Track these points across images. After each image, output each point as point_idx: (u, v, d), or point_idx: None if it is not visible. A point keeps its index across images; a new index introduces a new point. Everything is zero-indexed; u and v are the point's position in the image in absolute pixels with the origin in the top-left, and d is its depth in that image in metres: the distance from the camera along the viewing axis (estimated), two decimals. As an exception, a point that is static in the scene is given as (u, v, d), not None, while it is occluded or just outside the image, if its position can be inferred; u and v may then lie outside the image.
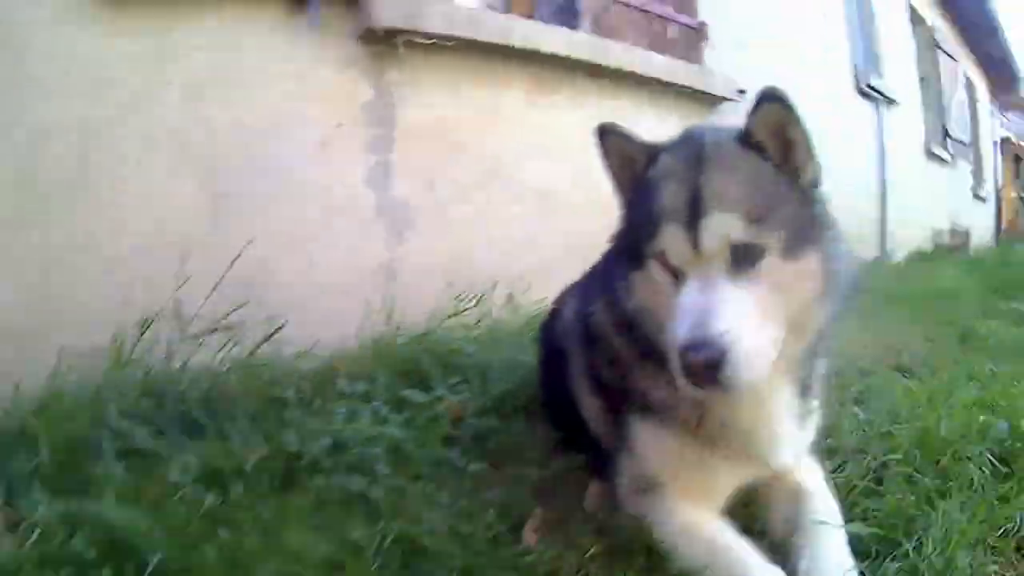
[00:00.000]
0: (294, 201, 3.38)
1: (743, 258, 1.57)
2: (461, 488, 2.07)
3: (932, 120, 11.73)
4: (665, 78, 5.22)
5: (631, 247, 1.76)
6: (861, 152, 8.81)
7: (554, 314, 2.59)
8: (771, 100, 1.66)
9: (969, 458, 2.17)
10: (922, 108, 11.29)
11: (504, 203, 4.22)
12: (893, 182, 9.27)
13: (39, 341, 2.50)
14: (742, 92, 5.57)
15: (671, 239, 1.62)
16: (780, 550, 1.75)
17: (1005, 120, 18.53)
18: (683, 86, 5.38)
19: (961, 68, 13.58)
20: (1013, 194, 19.42)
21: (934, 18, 12.14)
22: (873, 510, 1.93)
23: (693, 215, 1.59)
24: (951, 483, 2.05)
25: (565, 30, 4.69)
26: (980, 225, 14.38)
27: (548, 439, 2.39)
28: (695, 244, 1.58)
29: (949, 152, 12.34)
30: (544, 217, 4.35)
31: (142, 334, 2.56)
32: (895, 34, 10.26)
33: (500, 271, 3.83)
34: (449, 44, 3.89)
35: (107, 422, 2.17)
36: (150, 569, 1.58)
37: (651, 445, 1.86)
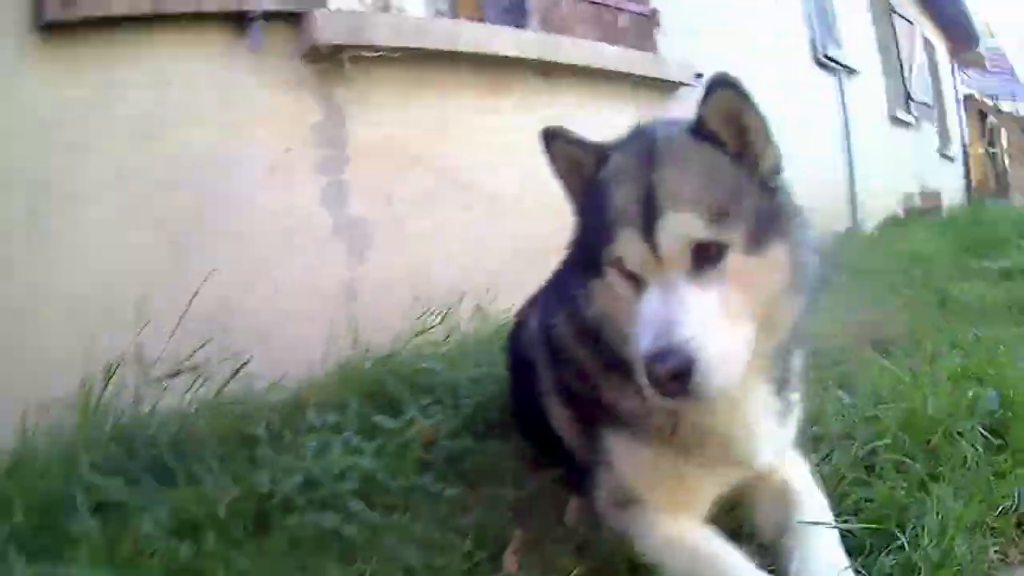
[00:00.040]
0: (250, 230, 3.30)
1: (705, 257, 1.50)
2: (437, 515, 2.00)
3: (894, 85, 11.75)
4: (619, 69, 5.14)
5: (587, 255, 1.69)
6: (825, 125, 8.82)
7: (519, 325, 2.52)
8: (722, 86, 1.58)
9: (960, 434, 2.12)
10: (883, 75, 11.30)
11: (462, 213, 4.14)
12: (859, 151, 9.25)
13: (4, 393, 2.45)
14: (699, 76, 5.48)
15: (627, 244, 1.54)
16: (770, 552, 1.70)
17: (966, 77, 18.63)
18: (638, 75, 5.30)
19: (919, 30, 13.62)
20: (980, 150, 19.53)
21: (889, -16, 12.17)
22: (865, 500, 1.88)
23: (648, 217, 1.52)
24: (943, 465, 2.00)
25: (513, 30, 4.62)
26: (950, 186, 14.42)
27: (523, 454, 2.33)
28: (653, 248, 1.51)
29: (913, 115, 12.38)
30: (502, 223, 4.26)
31: (107, 381, 2.49)
32: (851, 5, 10.24)
33: (464, 282, 3.74)
34: (396, 56, 3.80)
35: (80, 476, 2.10)
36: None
37: (625, 458, 1.80)
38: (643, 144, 1.66)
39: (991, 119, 20.67)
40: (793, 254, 1.59)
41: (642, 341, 1.46)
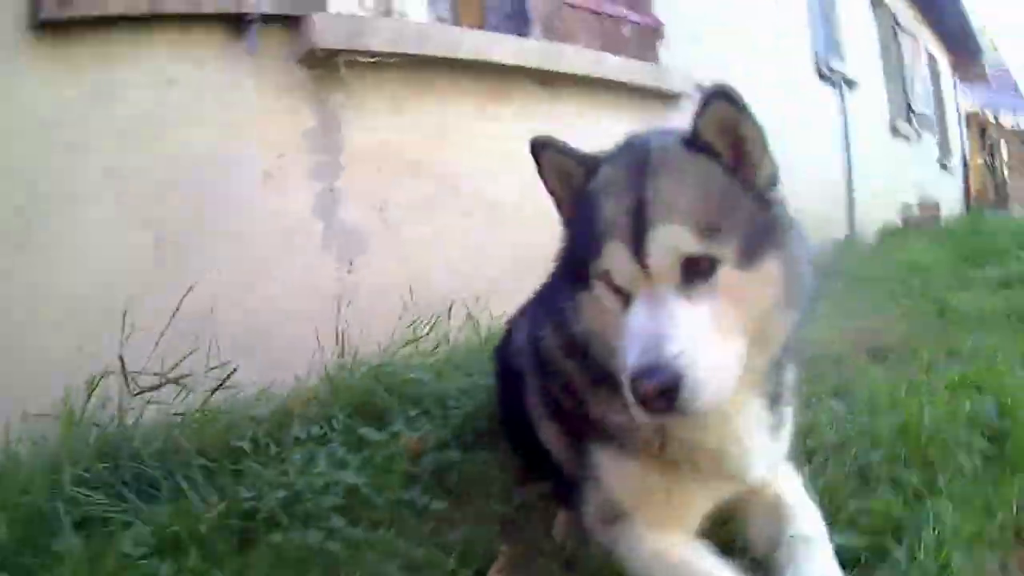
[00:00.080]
0: (241, 236, 3.28)
1: (695, 272, 1.46)
2: (422, 530, 1.97)
3: (895, 98, 11.78)
4: (620, 79, 5.13)
5: (575, 267, 1.65)
6: (825, 135, 8.80)
7: (508, 336, 2.49)
8: (719, 98, 1.55)
9: (958, 444, 2.10)
10: (885, 87, 11.32)
11: (460, 220, 4.11)
12: (859, 162, 9.24)
13: (4, 393, 2.45)
14: (701, 87, 5.45)
15: (615, 257, 1.51)
16: (763, 567, 1.66)
17: (968, 92, 18.63)
18: (639, 86, 5.28)
19: (923, 45, 13.67)
20: (979, 161, 19.52)
21: (895, 1, 12.17)
22: (859, 512, 1.85)
23: (638, 229, 1.48)
24: (939, 476, 1.98)
25: (514, 38, 4.61)
26: (949, 197, 14.43)
27: (511, 466, 2.30)
28: (641, 261, 1.47)
29: (914, 127, 12.39)
30: (502, 230, 4.23)
31: (91, 392, 2.46)
32: (856, 19, 10.29)
33: (463, 289, 3.72)
34: (393, 61, 3.78)
35: (63, 490, 2.08)
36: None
37: (613, 473, 1.76)
38: (635, 155, 1.63)
39: (991, 132, 20.65)
40: (787, 268, 1.55)
41: (629, 356, 1.43)
